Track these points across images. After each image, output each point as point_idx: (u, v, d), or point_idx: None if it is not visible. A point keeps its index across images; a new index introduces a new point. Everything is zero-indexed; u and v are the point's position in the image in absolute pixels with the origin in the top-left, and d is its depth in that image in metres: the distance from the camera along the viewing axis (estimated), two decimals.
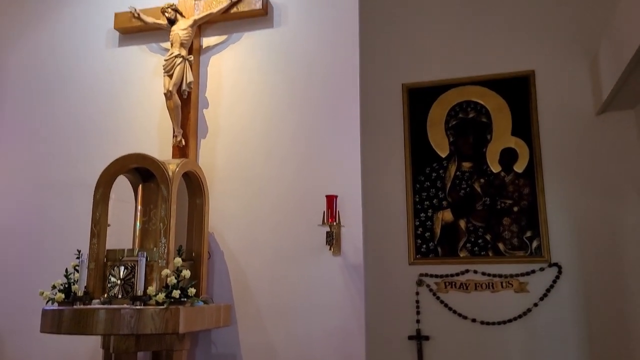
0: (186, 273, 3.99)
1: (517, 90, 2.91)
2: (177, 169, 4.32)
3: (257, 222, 4.83)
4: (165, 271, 3.97)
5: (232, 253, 4.85)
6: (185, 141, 4.96)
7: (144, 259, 3.96)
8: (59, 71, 5.64)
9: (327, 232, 4.45)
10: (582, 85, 2.83)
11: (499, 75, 2.95)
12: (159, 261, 4.07)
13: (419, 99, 3.04)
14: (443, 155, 2.94)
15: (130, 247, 4.51)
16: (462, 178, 2.90)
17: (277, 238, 4.74)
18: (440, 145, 2.96)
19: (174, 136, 4.96)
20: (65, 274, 4.22)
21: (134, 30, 5.42)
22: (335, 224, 4.41)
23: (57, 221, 5.29)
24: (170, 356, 4.08)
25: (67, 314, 3.85)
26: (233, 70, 5.20)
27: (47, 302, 4.14)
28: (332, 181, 4.59)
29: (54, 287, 4.18)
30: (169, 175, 4.22)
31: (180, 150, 4.95)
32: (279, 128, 4.94)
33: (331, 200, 4.43)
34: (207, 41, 5.31)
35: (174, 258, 4.07)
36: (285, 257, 4.69)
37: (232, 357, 4.63)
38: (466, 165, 2.90)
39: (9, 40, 5.84)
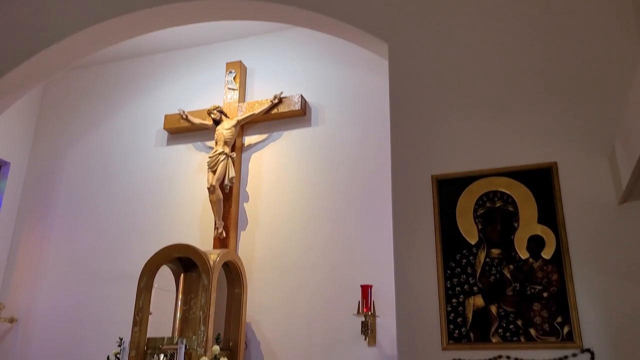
0: None
1: (541, 180, 3.06)
2: (218, 259, 4.53)
3: (294, 312, 4.92)
4: (204, 359, 4.06)
5: (269, 343, 4.91)
6: (226, 233, 5.20)
7: (184, 347, 4.07)
8: (108, 170, 6.08)
9: (362, 322, 4.50)
10: (602, 176, 2.97)
11: (524, 167, 3.12)
12: (198, 349, 4.17)
13: (448, 189, 3.21)
14: (472, 242, 3.06)
15: (170, 334, 4.65)
16: (491, 264, 2.99)
17: (312, 328, 4.80)
18: (470, 232, 3.09)
19: (216, 228, 5.21)
20: None
21: (182, 130, 5.87)
22: (370, 313, 4.47)
23: (100, 310, 5.49)
24: None
25: None
26: (273, 166, 5.53)
27: None
28: (366, 272, 4.70)
29: None
30: (210, 264, 4.42)
31: (221, 242, 5.18)
32: (316, 221, 5.15)
33: (366, 290, 4.52)
34: (248, 139, 5.69)
35: (213, 346, 4.17)
36: (321, 347, 4.73)
37: None
38: (495, 251, 3.01)
39: (66, 142, 6.37)
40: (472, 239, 3.09)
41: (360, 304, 4.51)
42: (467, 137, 3.32)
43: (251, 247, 5.25)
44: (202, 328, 4.22)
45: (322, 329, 4.76)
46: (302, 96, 5.49)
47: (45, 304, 5.70)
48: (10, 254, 6.02)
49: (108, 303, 5.50)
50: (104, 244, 5.76)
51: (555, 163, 3.05)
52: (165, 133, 5.99)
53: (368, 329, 4.47)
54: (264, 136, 5.67)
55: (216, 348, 4.13)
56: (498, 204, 3.09)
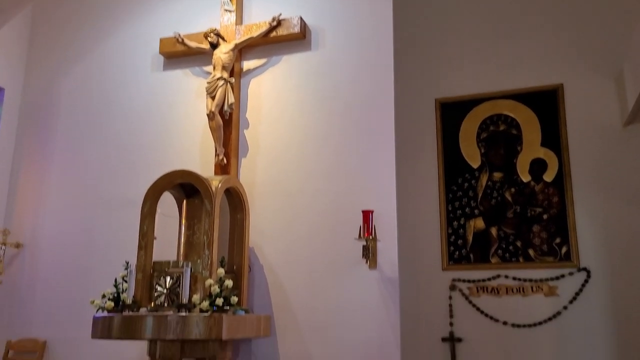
0: (229, 283, 4.18)
1: (546, 103, 3.03)
2: (220, 185, 4.55)
3: (296, 236, 4.99)
4: (209, 281, 4.17)
5: (272, 267, 5.02)
6: (226, 160, 5.20)
7: (189, 270, 4.17)
8: (106, 95, 5.99)
9: (364, 246, 4.58)
10: (608, 98, 2.93)
11: (529, 89, 3.08)
12: (203, 272, 4.27)
13: (451, 113, 3.19)
14: (475, 166, 3.07)
15: (175, 259, 4.75)
16: (493, 187, 3.02)
17: (314, 252, 4.90)
18: (472, 156, 3.09)
19: (216, 155, 5.20)
20: (114, 284, 4.46)
21: (178, 54, 5.73)
22: (371, 238, 4.55)
23: (105, 236, 5.58)
24: None
25: (117, 321, 4.08)
26: (272, 92, 5.44)
27: (98, 310, 4.39)
28: (368, 196, 4.73)
29: (103, 296, 4.42)
30: (212, 190, 4.45)
31: (222, 168, 5.18)
32: (317, 146, 5.13)
33: (367, 215, 4.57)
34: (247, 64, 5.58)
35: (217, 269, 4.26)
36: (322, 270, 4.83)
37: None
38: (497, 175, 3.02)
39: (62, 65, 6.24)
40: (475, 163, 3.10)
41: (362, 228, 4.57)
42: (472, 60, 3.26)
43: (252, 174, 5.26)
44: (207, 252, 4.30)
45: (323, 254, 4.85)
46: (301, 18, 5.33)
47: (50, 230, 5.78)
48: (11, 180, 6.04)
49: (112, 228, 5.57)
50: (106, 170, 5.77)
51: (561, 85, 3.01)
52: (162, 57, 5.86)
53: (369, 253, 4.56)
54: (262, 61, 5.54)
55: (221, 271, 4.22)
56: (502, 128, 3.08)
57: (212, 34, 5.36)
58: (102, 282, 5.33)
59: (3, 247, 5.70)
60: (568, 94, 3.00)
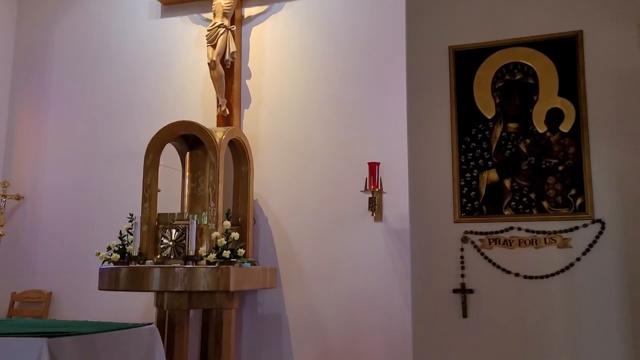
0: (235, 235, 4.16)
1: (565, 51, 2.92)
2: (224, 137, 4.47)
3: (301, 189, 4.95)
4: (215, 233, 4.14)
5: (276, 219, 5.00)
6: (229, 110, 5.09)
7: (195, 222, 4.14)
8: (102, 43, 5.81)
9: (370, 199, 4.56)
10: (630, 46, 2.84)
11: (547, 36, 2.96)
12: (209, 224, 4.24)
13: (465, 61, 3.08)
14: (489, 117, 2.99)
15: (178, 211, 4.71)
16: (507, 139, 2.95)
17: (320, 204, 4.87)
18: (487, 106, 3.01)
19: (218, 106, 5.09)
20: (119, 236, 4.44)
21: (176, 0, 5.53)
22: (377, 190, 4.51)
23: (107, 187, 5.52)
24: (220, 314, 4.27)
25: (124, 273, 4.08)
26: (275, 40, 5.29)
27: (103, 262, 4.38)
28: (374, 148, 4.68)
29: (109, 248, 4.40)
30: (216, 142, 4.37)
31: (225, 120, 5.08)
32: (322, 96, 5.03)
33: (373, 167, 4.53)
34: (248, 11, 5.39)
35: (223, 221, 4.23)
36: (328, 223, 4.82)
37: (277, 317, 4.82)
38: (512, 126, 2.95)
39: (54, 14, 6.03)
40: (489, 113, 3.02)
41: (368, 180, 4.53)
42: (487, 5, 3.14)
43: (255, 125, 5.17)
44: (212, 204, 4.26)
45: (329, 206, 4.83)
46: None
47: (50, 181, 5.72)
48: (8, 132, 5.93)
49: (113, 180, 5.51)
50: (105, 121, 5.66)
51: (581, 31, 2.90)
52: (159, 4, 5.65)
53: (375, 205, 4.53)
54: (264, 7, 5.36)
55: (227, 223, 4.20)
56: (518, 77, 2.99)
57: None
58: (106, 234, 5.31)
59: (3, 199, 5.66)
60: (587, 41, 2.90)
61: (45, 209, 5.69)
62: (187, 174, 4.72)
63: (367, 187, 4.53)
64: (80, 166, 5.66)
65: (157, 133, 4.56)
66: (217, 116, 5.12)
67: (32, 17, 6.09)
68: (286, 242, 4.93)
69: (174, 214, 4.46)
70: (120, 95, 5.66)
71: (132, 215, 4.51)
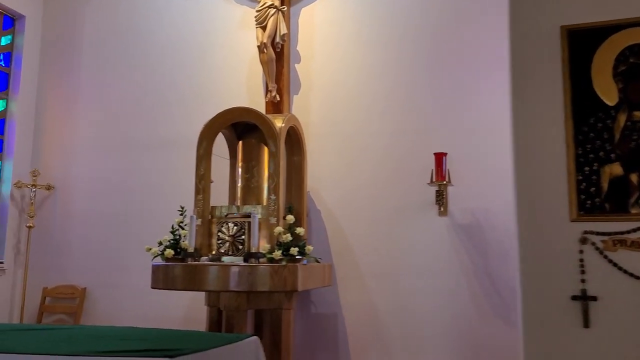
0: (300, 230, 3.88)
1: None
2: (284, 125, 4.17)
3: (356, 180, 4.67)
4: (278, 228, 3.86)
5: (330, 212, 4.72)
6: (279, 96, 4.78)
7: (257, 217, 3.84)
8: (137, 24, 5.47)
9: (437, 192, 4.28)
10: None
11: None
12: (270, 218, 3.95)
13: (581, 42, 2.80)
14: (611, 104, 2.72)
15: (227, 203, 4.42)
16: (633, 128, 2.68)
17: (377, 197, 4.59)
18: (608, 93, 2.73)
19: (268, 91, 4.78)
20: (171, 230, 4.13)
21: None
22: (444, 183, 4.24)
23: (142, 178, 5.22)
24: (279, 315, 4.00)
25: (181, 270, 3.78)
26: (326, 22, 4.98)
27: (154, 258, 4.08)
28: (441, 137, 4.41)
29: (160, 243, 4.10)
30: (276, 130, 4.07)
31: (274, 106, 4.77)
32: (380, 81, 4.73)
33: (440, 158, 4.25)
34: None
35: (286, 215, 3.95)
36: (386, 216, 4.55)
37: (333, 316, 4.56)
38: (638, 114, 2.68)
39: None
40: (611, 100, 2.74)
41: (434, 172, 4.26)
42: None
43: (306, 112, 4.87)
44: (273, 197, 3.97)
45: (388, 198, 4.55)
46: None
47: (82, 171, 5.40)
48: (37, 117, 5.59)
49: (149, 170, 5.21)
50: (140, 107, 5.34)
51: None
52: None
53: (443, 198, 4.26)
54: None
55: (291, 217, 3.91)
56: None
57: None
58: (142, 227, 5.07)
59: (33, 189, 5.33)
60: None
61: (78, 199, 5.38)
62: (239, 164, 4.40)
63: (433, 179, 4.26)
64: (114, 155, 5.34)
65: (210, 120, 4.24)
66: (267, 102, 4.81)
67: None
68: (341, 237, 4.65)
69: (229, 206, 4.16)
70: (157, 80, 5.33)
71: (183, 208, 4.21)
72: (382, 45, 4.78)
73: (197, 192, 4.14)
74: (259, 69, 4.99)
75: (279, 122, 4.13)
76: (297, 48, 5.03)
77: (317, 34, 5.00)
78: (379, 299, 4.47)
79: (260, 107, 4.85)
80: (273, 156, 4.03)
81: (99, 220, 5.25)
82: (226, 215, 4.08)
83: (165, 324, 4.57)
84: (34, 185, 5.33)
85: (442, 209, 4.34)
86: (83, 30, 5.63)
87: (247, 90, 5.06)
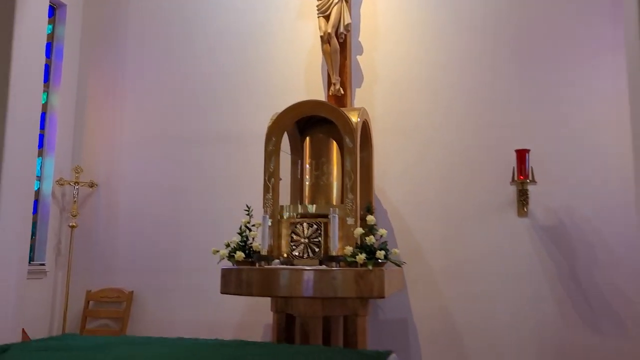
0: (383, 232, 3.62)
1: None
2: (359, 119, 3.90)
3: (425, 177, 4.43)
4: (359, 230, 3.59)
5: (397, 211, 4.46)
6: (343, 90, 4.52)
7: (336, 217, 3.58)
8: (185, 14, 5.19)
9: (519, 190, 4.03)
10: None
11: None
12: (347, 219, 3.68)
13: None
14: None
15: (288, 202, 4.17)
16: None
17: (449, 196, 4.35)
18: None
19: (332, 84, 4.51)
20: (239, 231, 3.87)
21: None
22: (528, 181, 3.98)
23: (192, 175, 4.95)
24: (354, 322, 3.73)
25: (257, 275, 3.50)
26: (390, 11, 4.72)
27: (221, 260, 3.82)
28: (522, 132, 4.16)
29: (227, 245, 3.84)
30: (352, 125, 3.80)
31: (338, 100, 4.50)
32: (451, 73, 4.48)
33: (523, 155, 4.01)
34: None
35: (366, 215, 3.68)
36: (459, 216, 4.30)
37: (403, 323, 4.30)
38: None
39: None
40: None
41: (515, 170, 4.01)
42: None
43: (369, 106, 4.59)
44: (350, 196, 3.70)
45: (460, 197, 4.31)
46: None
47: (127, 167, 5.12)
48: (77, 110, 5.31)
49: (199, 166, 4.95)
50: (188, 101, 5.07)
51: None
52: None
53: (527, 198, 4.01)
54: None
55: (371, 218, 3.65)
56: None
57: None
58: (194, 227, 4.85)
59: (76, 186, 5.05)
60: None
61: (123, 197, 5.10)
62: (306, 160, 4.14)
63: (515, 178, 4.01)
64: (162, 150, 5.07)
65: (279, 114, 3.97)
66: (329, 96, 4.54)
67: None
68: (410, 238, 4.40)
69: (303, 206, 3.90)
70: (207, 71, 5.06)
71: (249, 207, 3.95)
72: (451, 34, 4.53)
73: (266, 190, 3.87)
74: (317, 60, 4.78)
75: (354, 117, 3.87)
76: (359, 39, 4.77)
77: (380, 24, 4.74)
78: (453, 305, 4.21)
79: (321, 99, 4.60)
80: (350, 152, 3.76)
81: (147, 219, 4.98)
82: (299, 215, 3.81)
83: (219, 330, 4.39)
84: (76, 183, 5.05)
85: (523, 209, 4.08)
86: (127, 18, 5.35)
87: (306, 83, 4.81)
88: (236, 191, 4.59)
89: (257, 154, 4.65)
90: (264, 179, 3.90)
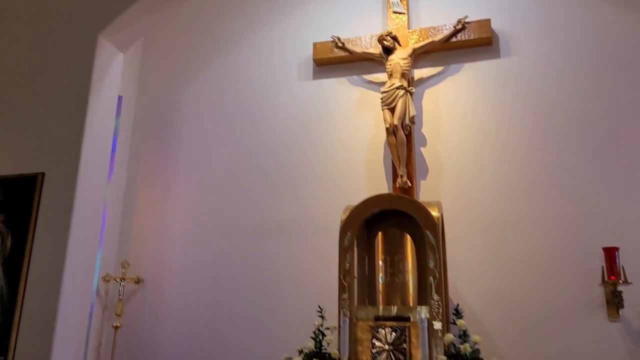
0: (477, 339, 3.31)
1: None
2: (439, 213, 3.70)
3: (501, 274, 4.15)
4: (449, 336, 3.29)
5: (472, 311, 4.13)
6: (410, 182, 4.36)
7: (426, 321, 3.28)
8: (241, 106, 5.15)
9: (612, 292, 3.75)
10: None
11: None
12: (434, 323, 3.38)
13: None
14: None
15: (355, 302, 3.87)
16: None
17: (528, 295, 4.04)
18: None
19: (399, 176, 4.36)
20: (313, 335, 3.56)
21: (334, 61, 4.94)
22: (621, 281, 3.71)
23: (247, 271, 4.68)
24: None
25: None
26: (453, 104, 4.65)
27: None
28: (608, 228, 3.93)
29: (300, 351, 3.52)
30: (435, 220, 3.60)
31: (405, 193, 4.33)
32: (522, 163, 4.32)
33: (612, 253, 3.76)
34: (419, 73, 4.78)
35: (457, 319, 3.39)
36: (541, 318, 3.98)
37: None
38: None
39: (182, 73, 5.39)
40: None
41: (605, 270, 3.75)
42: None
43: (436, 199, 4.39)
44: (436, 297, 3.43)
45: (539, 299, 4.00)
46: (490, 21, 4.58)
47: (176, 262, 4.87)
48: (126, 202, 5.13)
49: (256, 261, 4.68)
50: (243, 192, 4.90)
51: None
52: (310, 65, 5.06)
53: (622, 300, 3.71)
54: (438, 69, 4.76)
55: (461, 322, 3.35)
56: None
57: (388, 37, 4.58)
58: (250, 328, 4.52)
59: (122, 283, 4.77)
60: None
61: (171, 294, 4.80)
62: (379, 256, 3.89)
63: (606, 278, 3.73)
64: (214, 243, 4.84)
65: (355, 208, 3.78)
66: (395, 189, 4.38)
67: (158, 76, 5.45)
68: (487, 341, 4.01)
69: (380, 307, 3.61)
70: (263, 163, 4.94)
71: (322, 309, 3.66)
72: (521, 125, 4.42)
73: (342, 289, 3.60)
74: (378, 152, 4.68)
75: (434, 211, 3.67)
76: (422, 130, 4.67)
77: (443, 115, 4.66)
78: None
79: (382, 192, 4.43)
80: (433, 249, 3.52)
81: (197, 319, 4.65)
82: (378, 318, 3.51)
83: None
84: (122, 279, 4.78)
85: (616, 312, 3.77)
86: (180, 109, 5.31)
87: (366, 174, 4.66)
88: (294, 289, 4.33)
89: (318, 249, 4.47)
90: (339, 277, 3.64)
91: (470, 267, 4.23)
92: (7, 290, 3.39)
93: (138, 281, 4.84)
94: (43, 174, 3.61)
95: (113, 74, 4.02)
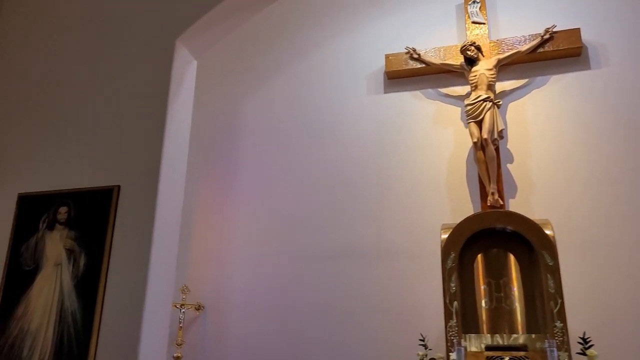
0: None
1: None
2: (553, 232, 3.37)
3: (610, 298, 3.78)
4: None
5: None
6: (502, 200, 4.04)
7: (555, 351, 2.92)
8: (306, 121, 4.88)
9: None
10: None
11: None
12: (560, 354, 3.02)
13: None
14: None
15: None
16: None
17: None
18: None
19: (490, 193, 4.04)
20: None
21: (408, 73, 4.68)
22: None
23: (315, 295, 4.35)
24: None
25: None
26: (541, 118, 4.37)
27: None
28: None
29: None
30: (550, 239, 3.26)
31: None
32: (622, 182, 4.00)
33: None
34: (501, 85, 4.50)
35: (587, 350, 3.02)
36: None
37: None
38: None
39: (243, 89, 5.13)
40: None
41: None
42: None
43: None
44: (559, 324, 3.08)
45: None
46: (580, 30, 4.32)
47: (238, 287, 4.53)
48: (184, 226, 4.73)
49: (324, 286, 4.35)
50: (308, 215, 4.59)
51: None
52: (379, 78, 4.80)
53: None
54: (522, 81, 4.50)
55: (593, 353, 2.98)
56: None
57: (472, 47, 4.31)
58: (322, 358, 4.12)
59: (182, 309, 4.41)
60: None
61: (233, 321, 4.46)
62: (481, 280, 3.54)
63: None
64: (278, 267, 4.51)
65: (457, 226, 3.47)
66: (486, 207, 4.04)
67: (216, 93, 5.19)
68: None
69: (505, 336, 3.25)
70: (331, 182, 4.63)
71: (424, 337, 3.29)
72: (614, 141, 4.13)
73: (448, 316, 3.24)
74: (460, 169, 4.36)
75: (548, 230, 3.34)
76: (507, 146, 4.37)
77: (530, 129, 4.37)
78: None
79: (467, 211, 4.11)
80: (551, 271, 3.18)
81: (262, 348, 4.29)
82: (489, 348, 3.15)
83: None
84: (182, 305, 4.42)
85: None
86: (240, 128, 5.04)
87: (448, 193, 4.34)
88: (383, 315, 3.95)
89: (403, 272, 4.15)
90: (445, 302, 3.29)
91: (571, 291, 3.85)
92: (81, 315, 3.03)
93: (198, 307, 4.49)
94: (119, 187, 3.29)
95: (188, 81, 3.74)
